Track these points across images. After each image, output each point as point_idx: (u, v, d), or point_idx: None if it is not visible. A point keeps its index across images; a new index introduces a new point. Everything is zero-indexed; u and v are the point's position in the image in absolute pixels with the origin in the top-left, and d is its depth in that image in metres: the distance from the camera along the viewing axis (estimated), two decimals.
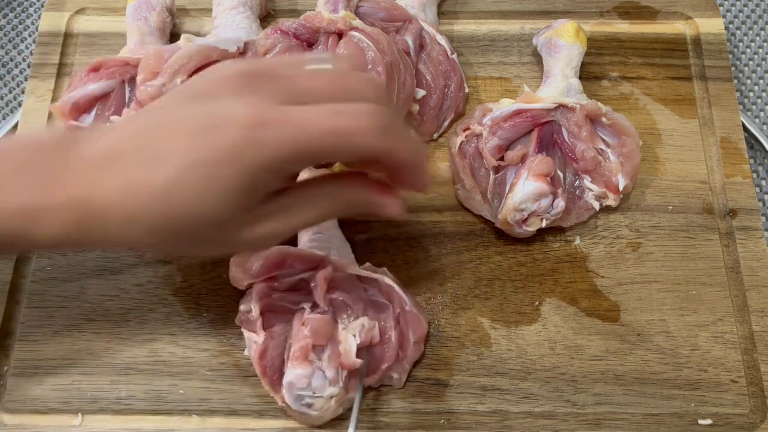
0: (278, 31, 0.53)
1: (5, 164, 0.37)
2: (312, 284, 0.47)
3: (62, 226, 0.36)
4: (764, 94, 0.67)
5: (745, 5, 0.72)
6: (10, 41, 0.70)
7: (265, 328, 0.47)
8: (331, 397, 0.45)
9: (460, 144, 0.55)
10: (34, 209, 0.36)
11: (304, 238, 0.51)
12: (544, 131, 0.54)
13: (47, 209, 0.36)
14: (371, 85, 0.38)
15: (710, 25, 0.64)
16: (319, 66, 0.38)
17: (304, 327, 0.45)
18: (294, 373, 0.44)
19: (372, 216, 0.42)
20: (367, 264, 0.51)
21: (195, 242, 0.37)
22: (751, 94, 0.67)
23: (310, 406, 0.45)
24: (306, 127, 0.35)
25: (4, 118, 0.66)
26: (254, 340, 0.47)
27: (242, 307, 0.48)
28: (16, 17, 0.71)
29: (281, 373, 0.46)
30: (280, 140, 0.34)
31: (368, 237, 0.55)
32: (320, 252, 0.49)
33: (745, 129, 0.61)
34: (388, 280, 0.49)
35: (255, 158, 0.34)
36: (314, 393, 0.45)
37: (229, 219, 0.36)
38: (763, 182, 0.63)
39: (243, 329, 0.48)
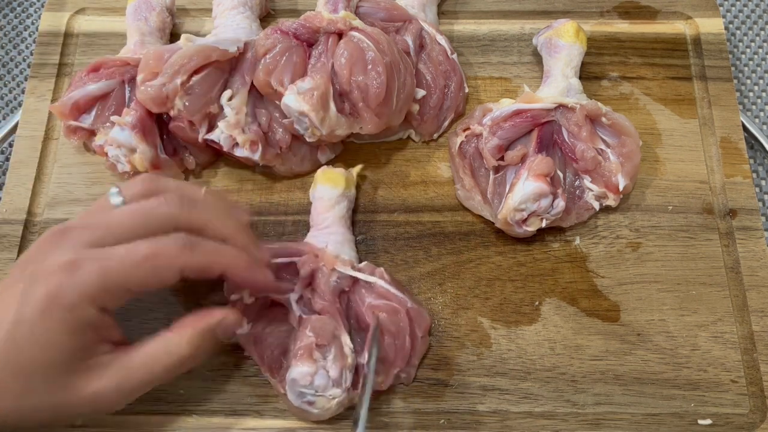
0: (278, 31, 0.53)
1: None
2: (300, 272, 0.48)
3: None
4: (764, 94, 0.67)
5: (745, 5, 0.72)
6: (10, 41, 0.70)
7: (258, 314, 0.47)
8: (333, 398, 0.45)
9: (460, 144, 0.55)
10: None
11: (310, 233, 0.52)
12: (544, 131, 0.54)
13: None
14: (169, 201, 0.42)
15: (710, 25, 0.64)
16: (115, 201, 0.42)
17: (306, 328, 0.46)
18: (298, 370, 0.45)
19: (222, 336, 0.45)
20: (365, 263, 0.51)
21: (44, 398, 0.38)
22: (751, 94, 0.67)
23: (311, 404, 0.45)
24: (119, 258, 0.39)
25: (4, 118, 0.66)
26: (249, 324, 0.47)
27: (233, 297, 0.48)
28: (16, 17, 0.71)
29: (281, 363, 0.47)
30: (91, 273, 0.38)
31: (368, 237, 0.55)
32: (319, 245, 0.50)
33: (745, 129, 0.61)
34: (383, 284, 0.49)
35: (74, 295, 0.38)
36: (317, 392, 0.45)
37: (68, 363, 0.38)
38: (763, 182, 0.63)
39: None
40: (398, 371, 0.48)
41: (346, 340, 0.46)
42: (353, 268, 0.50)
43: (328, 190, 0.53)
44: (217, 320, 0.43)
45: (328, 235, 0.51)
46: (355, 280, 0.49)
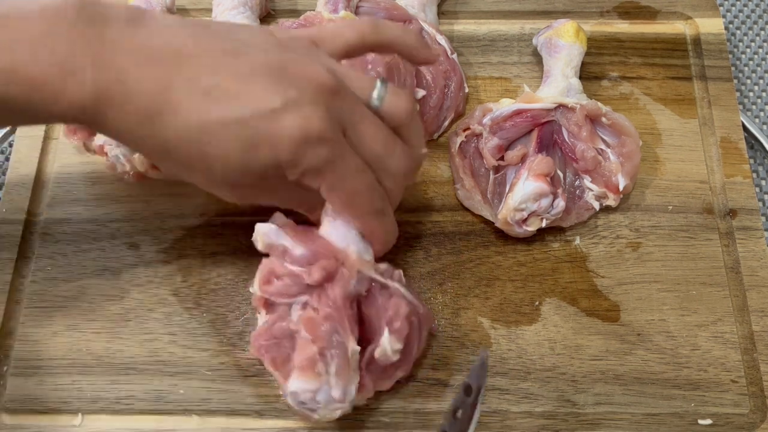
0: None
1: (22, 32, 0.35)
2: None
3: (80, 107, 0.36)
4: (764, 94, 0.67)
5: (745, 5, 0.72)
6: None
7: (269, 306, 0.45)
8: (336, 410, 0.43)
9: (460, 144, 0.55)
10: (58, 80, 0.35)
11: (326, 228, 0.46)
12: (544, 131, 0.54)
13: (69, 85, 0.35)
14: (402, 158, 0.42)
15: (710, 25, 0.64)
16: (376, 96, 0.42)
17: (309, 335, 0.42)
18: (298, 384, 0.42)
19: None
20: (385, 265, 0.46)
21: (212, 178, 0.39)
22: (751, 94, 0.67)
23: (313, 411, 0.44)
24: (345, 167, 0.40)
25: None
26: (258, 318, 0.46)
27: (251, 289, 0.46)
28: None
29: (288, 359, 0.44)
30: (323, 161, 0.39)
31: None
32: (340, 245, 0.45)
33: (745, 129, 0.61)
34: (402, 290, 0.45)
35: (299, 158, 0.38)
36: (318, 404, 0.43)
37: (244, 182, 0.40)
38: (763, 182, 0.63)
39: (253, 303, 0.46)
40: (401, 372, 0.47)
41: (353, 347, 0.43)
42: (376, 271, 0.45)
43: None
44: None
45: (345, 233, 0.45)
46: (372, 282, 0.45)
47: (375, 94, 0.41)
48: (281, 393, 0.46)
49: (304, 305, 0.44)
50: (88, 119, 0.37)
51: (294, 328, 0.43)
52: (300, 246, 0.44)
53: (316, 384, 0.42)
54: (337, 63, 0.42)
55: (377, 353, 0.44)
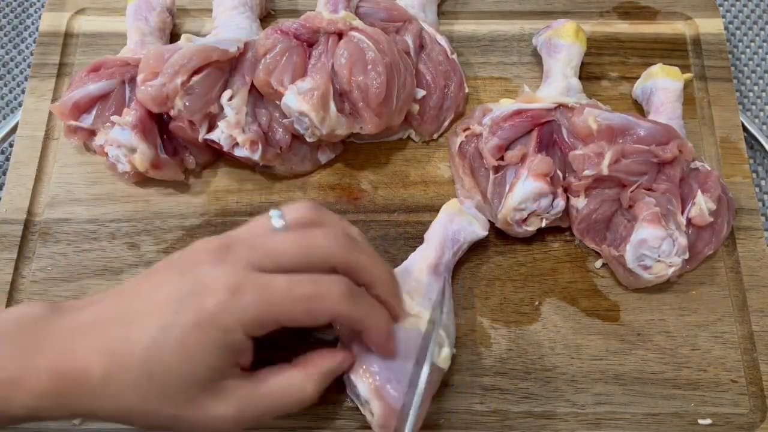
0: (278, 32, 0.53)
1: None
2: None
3: (40, 394, 0.37)
4: (764, 94, 0.67)
5: (745, 5, 0.72)
6: (10, 41, 0.70)
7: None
8: (672, 266, 0.48)
9: (460, 144, 0.55)
10: (11, 378, 0.37)
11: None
12: (544, 131, 0.54)
13: (24, 377, 0.37)
14: (330, 237, 0.41)
15: (710, 25, 0.64)
16: (277, 224, 0.41)
17: (648, 201, 0.49)
18: (649, 231, 0.47)
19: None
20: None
21: (169, 408, 0.38)
22: (751, 94, 0.67)
23: (647, 268, 0.48)
24: (281, 292, 0.38)
25: (4, 118, 0.66)
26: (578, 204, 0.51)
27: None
28: (16, 17, 0.71)
29: (604, 235, 0.52)
30: (255, 304, 0.38)
31: (368, 237, 0.55)
32: None
33: (745, 129, 0.61)
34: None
35: (233, 319, 0.37)
36: (659, 256, 0.48)
37: (204, 380, 0.38)
38: (763, 182, 0.63)
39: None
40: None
41: (680, 219, 0.49)
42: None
43: None
44: (339, 362, 0.43)
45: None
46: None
47: (275, 219, 0.41)
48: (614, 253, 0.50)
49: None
50: (50, 412, 0.38)
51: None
52: None
53: (664, 232, 0.48)
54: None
55: (693, 213, 0.50)
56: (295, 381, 0.41)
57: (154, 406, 0.37)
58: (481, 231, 0.51)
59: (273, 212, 0.42)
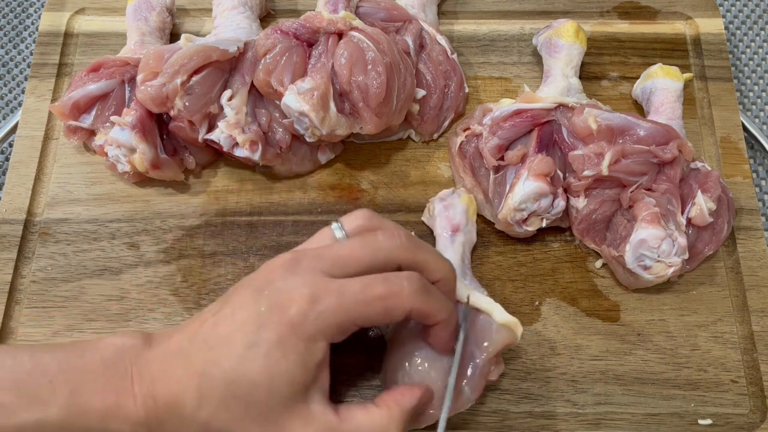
0: (278, 31, 0.53)
1: (88, 368, 0.39)
2: None
3: (136, 421, 0.38)
4: (764, 94, 0.67)
5: (745, 5, 0.72)
6: (10, 41, 0.70)
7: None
8: (671, 266, 0.48)
9: (460, 144, 0.55)
10: (110, 406, 0.38)
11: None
12: (544, 131, 0.54)
13: (122, 405, 0.38)
14: (392, 237, 0.41)
15: (710, 25, 0.64)
16: (339, 234, 0.42)
17: (646, 202, 0.49)
18: (648, 232, 0.47)
19: None
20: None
21: (256, 428, 0.38)
22: (751, 94, 0.67)
23: (647, 268, 0.48)
24: (355, 295, 0.38)
25: (4, 118, 0.66)
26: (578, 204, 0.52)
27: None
28: (16, 17, 0.71)
29: (603, 235, 0.52)
30: (335, 310, 0.38)
31: None
32: None
33: (745, 129, 0.61)
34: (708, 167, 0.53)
35: (314, 327, 0.38)
36: (658, 256, 0.48)
37: (289, 398, 0.38)
38: (763, 182, 0.63)
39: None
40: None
41: (680, 219, 0.49)
42: None
43: None
44: (420, 399, 0.42)
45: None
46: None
47: (336, 231, 0.42)
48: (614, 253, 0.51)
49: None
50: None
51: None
52: None
53: (663, 232, 0.48)
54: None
55: (693, 213, 0.50)
56: (380, 422, 0.40)
57: (242, 427, 0.38)
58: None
59: (334, 225, 0.42)
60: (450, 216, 0.52)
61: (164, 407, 0.38)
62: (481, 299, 0.46)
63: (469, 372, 0.44)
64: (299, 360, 0.38)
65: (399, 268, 0.41)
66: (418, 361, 0.44)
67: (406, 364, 0.44)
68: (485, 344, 0.44)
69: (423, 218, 0.55)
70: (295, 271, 0.39)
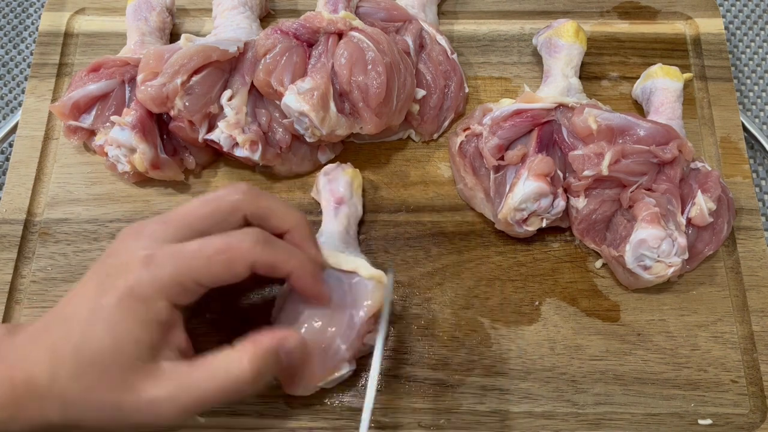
0: (278, 31, 0.53)
1: None
2: None
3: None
4: (764, 94, 0.67)
5: (745, 5, 0.72)
6: (10, 41, 0.70)
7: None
8: (671, 266, 0.48)
9: (460, 144, 0.55)
10: None
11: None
12: (544, 131, 0.54)
13: None
14: (235, 190, 0.42)
15: (710, 25, 0.64)
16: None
17: (647, 201, 0.49)
18: (648, 232, 0.47)
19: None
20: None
21: (109, 394, 0.38)
22: (751, 94, 0.67)
23: (647, 268, 0.49)
24: (193, 252, 0.39)
25: (4, 118, 0.66)
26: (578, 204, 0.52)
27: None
28: (16, 17, 0.71)
29: (603, 235, 0.52)
30: (170, 268, 0.39)
31: (368, 237, 0.55)
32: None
33: (745, 129, 0.61)
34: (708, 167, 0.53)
35: (151, 288, 0.38)
36: (658, 256, 0.48)
37: (136, 358, 0.38)
38: (763, 182, 0.63)
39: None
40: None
41: (680, 219, 0.50)
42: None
43: None
44: (279, 340, 0.41)
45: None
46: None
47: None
48: (614, 253, 0.51)
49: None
50: (8, 423, 0.38)
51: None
52: None
53: (663, 232, 0.48)
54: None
55: (693, 213, 0.50)
56: (231, 360, 0.39)
57: (96, 396, 0.38)
58: None
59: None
60: (333, 189, 0.54)
61: (21, 388, 0.38)
62: (345, 260, 0.47)
63: (346, 330, 0.45)
64: (140, 321, 0.38)
65: (247, 224, 0.42)
66: (297, 318, 0.45)
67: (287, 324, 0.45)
68: (366, 303, 0.46)
69: (312, 194, 0.56)
70: (137, 237, 0.40)
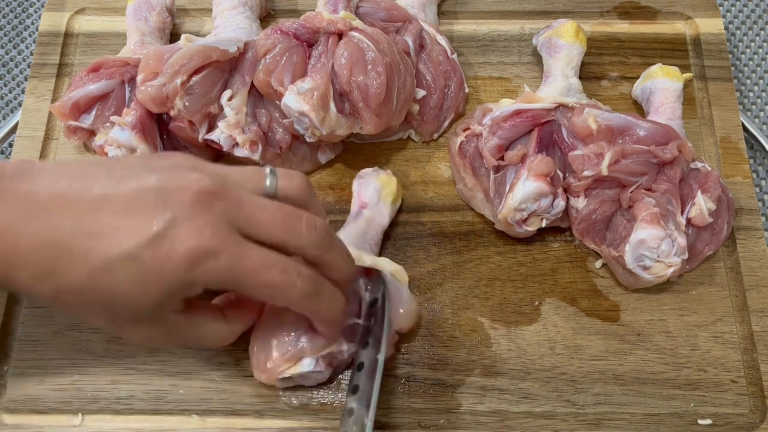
0: (278, 32, 0.53)
1: None
2: None
3: None
4: (764, 94, 0.67)
5: (745, 5, 0.72)
6: (10, 41, 0.70)
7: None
8: (671, 266, 0.48)
9: (460, 144, 0.55)
10: None
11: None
12: (544, 131, 0.54)
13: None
14: (312, 229, 0.41)
15: (710, 25, 0.64)
16: (269, 183, 0.41)
17: (647, 202, 0.49)
18: (648, 232, 0.47)
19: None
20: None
21: (105, 321, 0.40)
22: (751, 94, 0.67)
23: (646, 268, 0.49)
24: (251, 268, 0.38)
25: (4, 118, 0.66)
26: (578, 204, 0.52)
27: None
28: (16, 17, 0.71)
29: (603, 235, 0.52)
30: (223, 270, 0.38)
31: None
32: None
33: (745, 129, 0.61)
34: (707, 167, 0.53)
35: (199, 279, 0.38)
36: (658, 256, 0.48)
37: (148, 316, 0.39)
38: (763, 182, 0.63)
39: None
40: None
41: (680, 219, 0.50)
42: None
43: None
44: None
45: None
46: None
47: (267, 182, 0.41)
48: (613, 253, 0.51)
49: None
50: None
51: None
52: None
53: (663, 232, 0.48)
54: (220, 165, 0.41)
55: (692, 213, 0.50)
56: (221, 331, 0.44)
57: (90, 311, 0.39)
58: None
59: (269, 171, 0.41)
60: (361, 192, 0.54)
61: (27, 264, 0.37)
62: (367, 259, 0.48)
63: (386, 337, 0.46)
64: (170, 293, 0.38)
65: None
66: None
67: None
68: (401, 311, 0.47)
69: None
70: (209, 208, 0.38)
